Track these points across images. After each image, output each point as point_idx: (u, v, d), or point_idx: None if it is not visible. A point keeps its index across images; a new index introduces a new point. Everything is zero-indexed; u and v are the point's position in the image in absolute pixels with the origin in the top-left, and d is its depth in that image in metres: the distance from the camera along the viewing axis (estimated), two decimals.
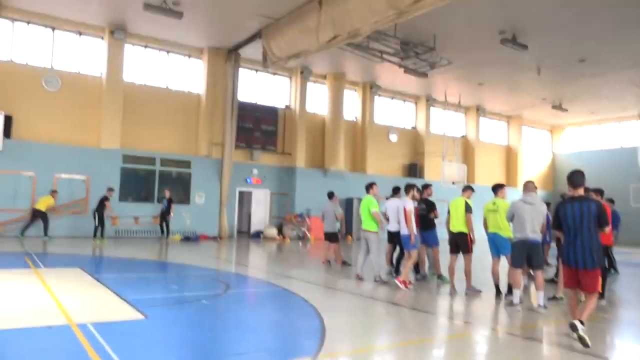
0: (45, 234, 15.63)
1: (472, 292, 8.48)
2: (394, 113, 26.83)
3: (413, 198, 9.37)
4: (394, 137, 26.29)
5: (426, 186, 10.53)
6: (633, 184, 27.22)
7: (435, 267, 10.14)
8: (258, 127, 22.00)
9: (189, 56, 20.71)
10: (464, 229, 8.61)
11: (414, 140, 27.28)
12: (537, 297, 7.18)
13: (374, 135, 25.18)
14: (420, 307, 7.29)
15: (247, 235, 21.86)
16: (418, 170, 26.52)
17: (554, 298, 8.05)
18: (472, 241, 8.66)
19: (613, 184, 28.72)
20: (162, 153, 19.60)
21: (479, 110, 28.94)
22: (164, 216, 17.78)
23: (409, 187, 9.38)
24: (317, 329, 5.58)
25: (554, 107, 26.76)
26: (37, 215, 15.69)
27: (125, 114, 18.75)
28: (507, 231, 8.09)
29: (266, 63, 17.27)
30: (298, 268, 11.80)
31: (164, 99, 19.94)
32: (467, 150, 29.26)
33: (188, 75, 20.77)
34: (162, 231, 17.77)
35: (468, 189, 9.11)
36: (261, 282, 9.48)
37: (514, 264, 7.43)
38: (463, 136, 29.42)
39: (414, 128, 27.43)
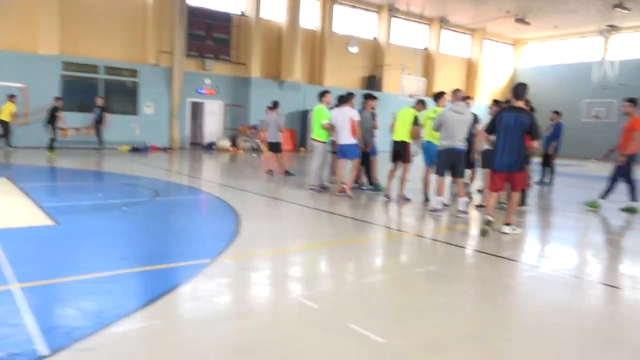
0: (9, 144, 15.10)
1: (403, 199, 8.61)
2: (354, 23, 25.89)
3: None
4: (353, 48, 25.55)
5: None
6: (585, 99, 27.61)
7: (372, 176, 10.22)
8: (210, 35, 20.95)
9: None
10: (406, 139, 8.57)
11: (374, 52, 26.63)
12: (459, 203, 7.33)
13: (333, 45, 24.41)
14: (346, 213, 7.37)
15: (200, 146, 21.54)
16: (377, 82, 26.12)
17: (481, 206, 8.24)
18: (409, 152, 8.68)
19: (568, 98, 29.25)
20: (106, 60, 18.59)
21: (442, 22, 28.18)
22: (97, 126, 17.10)
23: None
24: (230, 234, 5.57)
25: (517, 20, 26.27)
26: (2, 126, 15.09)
27: (63, 17, 17.46)
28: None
29: None
30: (238, 178, 11.71)
31: (106, 1, 18.56)
32: (428, 63, 28.83)
33: None
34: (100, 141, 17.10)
35: (420, 102, 9.00)
36: (194, 190, 9.39)
37: (438, 171, 7.50)
38: (425, 48, 28.85)
39: (375, 39, 26.67)
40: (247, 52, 21.79)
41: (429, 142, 8.36)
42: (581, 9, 24.64)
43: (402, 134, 8.59)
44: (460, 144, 7.26)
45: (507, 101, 9.21)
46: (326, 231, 6.30)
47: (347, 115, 8.75)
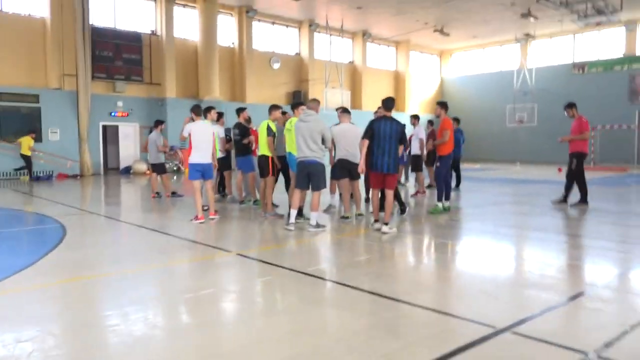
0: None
1: (271, 216, 8.28)
2: (276, 39, 25.79)
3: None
4: (276, 65, 25.41)
5: (241, 110, 9.98)
6: (509, 105, 28.33)
7: (252, 193, 9.88)
8: (119, 56, 20.32)
9: None
10: (266, 152, 8.26)
11: (298, 67, 26.57)
12: (311, 217, 7.03)
13: (254, 62, 24.17)
14: (184, 234, 6.93)
15: (116, 171, 20.73)
16: (302, 97, 25.96)
17: (345, 217, 8.00)
18: (275, 165, 8.36)
19: (493, 104, 30.02)
20: (3, 86, 17.67)
21: (365, 35, 28.47)
22: None
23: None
24: (21, 266, 5.06)
25: (436, 31, 26.82)
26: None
27: None
28: None
29: None
30: (116, 204, 11.26)
31: None
32: (354, 77, 29.02)
33: None
34: None
35: (274, 108, 8.62)
36: (42, 218, 8.66)
37: (297, 185, 7.22)
38: (350, 62, 29.03)
39: (298, 54, 26.63)
40: (161, 72, 21.25)
41: (290, 153, 8.10)
42: (493, 19, 25.37)
43: (262, 147, 8.29)
44: (311, 154, 6.97)
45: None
46: (146, 255, 5.79)
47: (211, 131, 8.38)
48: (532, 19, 23.51)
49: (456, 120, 13.14)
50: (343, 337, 3.26)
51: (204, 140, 7.98)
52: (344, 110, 9.07)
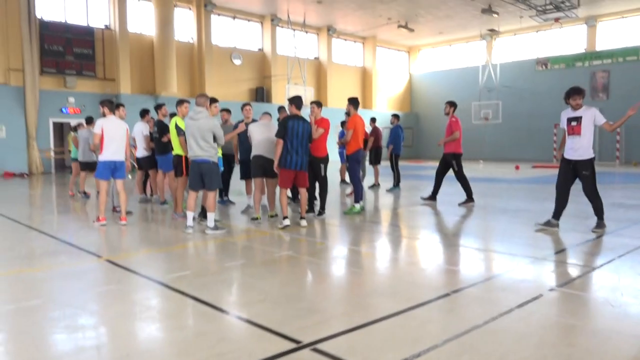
0: None
1: (181, 217, 7.98)
2: (238, 34, 25.40)
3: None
4: (238, 60, 25.04)
5: (159, 106, 9.60)
6: (475, 102, 28.30)
7: (161, 194, 9.63)
8: (70, 50, 19.78)
9: None
10: (179, 152, 7.95)
11: (261, 63, 26.21)
12: (208, 218, 6.75)
13: (214, 58, 23.76)
14: (67, 238, 6.61)
15: (69, 169, 20.19)
16: (265, 94, 25.70)
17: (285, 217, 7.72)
18: (187, 165, 8.05)
19: (460, 101, 29.72)
20: None
21: (330, 30, 28.20)
22: None
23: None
24: None
25: (400, 26, 26.66)
26: None
27: None
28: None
29: None
30: (28, 204, 10.90)
31: None
32: (319, 73, 28.75)
33: None
34: None
35: (180, 103, 8.22)
36: None
37: (190, 185, 6.92)
38: (316, 58, 28.76)
39: (261, 50, 26.28)
40: (115, 68, 20.77)
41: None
42: (456, 14, 25.30)
43: (176, 147, 7.98)
44: (202, 153, 6.68)
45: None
46: (7, 261, 5.42)
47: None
48: (493, 15, 23.45)
49: (396, 117, 12.90)
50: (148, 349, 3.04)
51: (117, 137, 7.63)
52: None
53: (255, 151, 7.70)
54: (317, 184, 8.22)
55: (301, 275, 4.86)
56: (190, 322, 3.58)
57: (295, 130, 6.97)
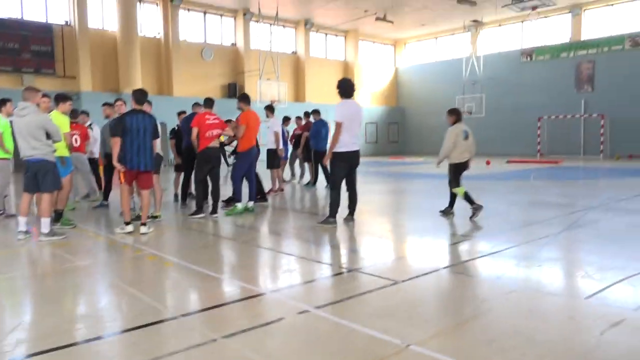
0: None
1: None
2: (209, 30, 24.79)
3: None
4: (209, 56, 24.43)
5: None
6: (458, 95, 27.39)
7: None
8: (27, 48, 19.35)
9: None
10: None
11: (234, 59, 25.57)
12: (42, 224, 6.11)
13: (182, 54, 23.20)
14: None
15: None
16: (238, 90, 25.02)
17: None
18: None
19: (445, 94, 28.98)
20: None
21: (307, 24, 27.45)
22: None
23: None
24: None
25: (379, 19, 25.76)
26: None
27: None
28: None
29: None
30: None
31: None
32: (297, 68, 28.02)
33: None
34: None
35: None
36: None
37: (24, 188, 6.25)
38: (293, 52, 28.03)
39: (234, 45, 25.63)
40: (75, 65, 20.30)
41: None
42: (433, 5, 24.43)
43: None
44: (32, 152, 6.02)
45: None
46: None
47: None
48: (471, 5, 22.49)
49: (316, 112, 12.03)
50: None
51: None
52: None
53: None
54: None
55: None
56: None
57: (136, 126, 6.35)
